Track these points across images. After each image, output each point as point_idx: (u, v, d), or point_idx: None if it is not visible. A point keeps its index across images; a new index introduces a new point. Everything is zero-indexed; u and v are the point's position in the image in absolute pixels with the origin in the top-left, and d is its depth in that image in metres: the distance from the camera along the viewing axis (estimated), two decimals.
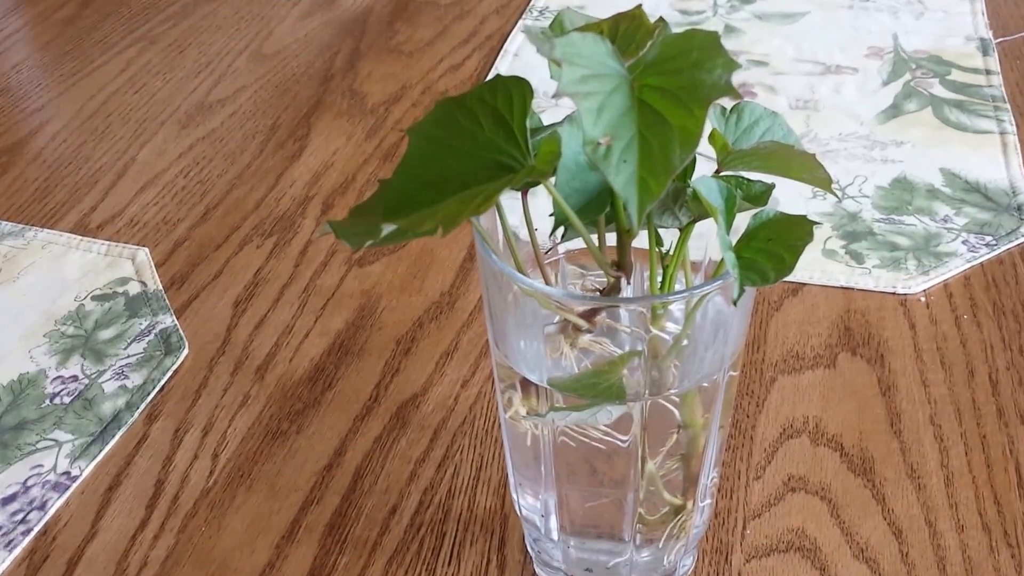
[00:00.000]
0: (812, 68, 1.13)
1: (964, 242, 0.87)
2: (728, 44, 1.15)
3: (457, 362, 0.78)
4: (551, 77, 0.44)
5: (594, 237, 0.48)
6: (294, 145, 1.05)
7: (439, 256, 0.88)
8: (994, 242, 0.86)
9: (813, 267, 0.84)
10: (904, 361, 0.76)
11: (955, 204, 0.91)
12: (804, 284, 0.83)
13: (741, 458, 0.69)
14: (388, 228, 0.40)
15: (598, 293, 0.50)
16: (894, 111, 1.05)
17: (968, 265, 0.84)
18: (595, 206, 0.46)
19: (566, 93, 0.36)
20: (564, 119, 0.47)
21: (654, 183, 0.35)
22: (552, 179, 0.46)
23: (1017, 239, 0.87)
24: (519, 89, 0.41)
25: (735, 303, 0.43)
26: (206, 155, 1.04)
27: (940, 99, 1.06)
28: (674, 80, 0.37)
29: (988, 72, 1.10)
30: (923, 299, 0.81)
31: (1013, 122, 1.02)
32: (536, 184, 0.46)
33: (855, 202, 0.92)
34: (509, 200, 0.49)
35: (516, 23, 1.26)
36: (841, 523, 0.65)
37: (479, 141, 0.41)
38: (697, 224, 0.49)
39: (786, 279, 0.82)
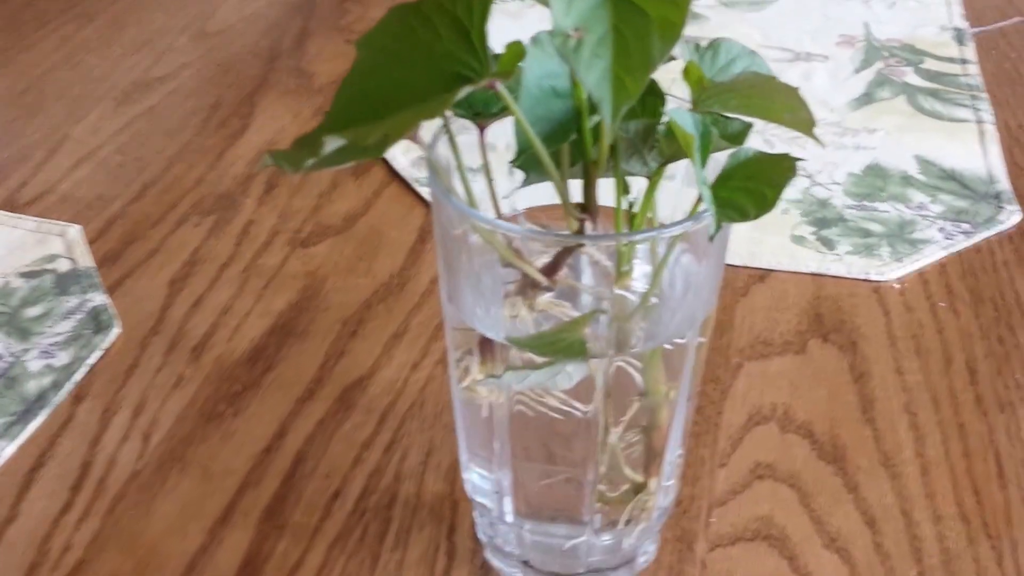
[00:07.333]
0: (780, 55, 1.09)
1: (940, 229, 0.83)
2: (691, 31, 1.11)
3: (407, 344, 0.74)
4: None
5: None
6: (237, 123, 1.00)
7: (389, 237, 0.84)
8: (971, 230, 0.83)
9: (781, 253, 0.81)
10: (878, 348, 0.73)
11: (930, 191, 0.87)
12: (772, 271, 0.80)
13: (705, 444, 0.65)
14: (332, 145, 0.35)
15: None
16: (866, 99, 1.01)
17: (945, 253, 0.81)
18: (560, 133, 0.42)
19: None
20: (529, 39, 0.43)
21: (630, 81, 0.31)
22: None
23: (995, 227, 0.83)
24: None
25: (711, 238, 0.39)
26: (144, 132, 0.99)
27: (914, 87, 1.03)
28: None
29: (964, 61, 1.07)
30: (898, 286, 0.78)
31: (991, 111, 0.99)
32: (495, 116, 0.42)
33: (825, 189, 0.88)
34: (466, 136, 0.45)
35: None
36: (811, 512, 0.62)
37: (435, 52, 0.37)
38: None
39: (753, 265, 0.79)
